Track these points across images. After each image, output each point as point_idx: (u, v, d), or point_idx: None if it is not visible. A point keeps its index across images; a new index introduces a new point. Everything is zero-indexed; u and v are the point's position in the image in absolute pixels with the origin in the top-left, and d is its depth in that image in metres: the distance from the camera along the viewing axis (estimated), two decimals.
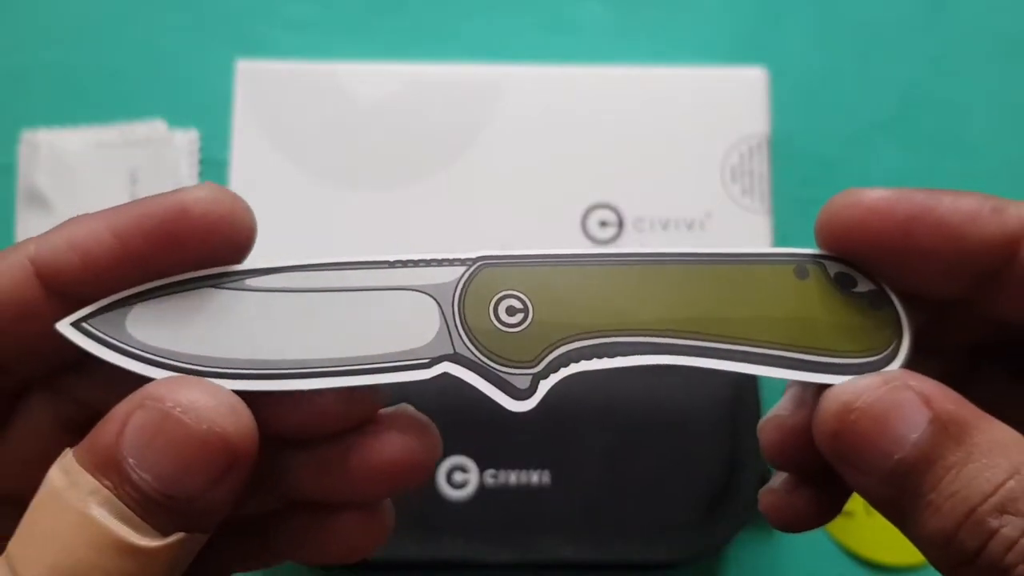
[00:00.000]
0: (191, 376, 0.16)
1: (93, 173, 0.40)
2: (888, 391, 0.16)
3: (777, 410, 0.19)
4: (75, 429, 0.17)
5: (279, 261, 0.19)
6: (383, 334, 0.17)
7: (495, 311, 0.18)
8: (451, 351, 0.17)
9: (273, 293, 0.18)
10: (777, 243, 0.36)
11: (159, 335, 0.17)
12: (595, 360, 0.18)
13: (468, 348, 0.17)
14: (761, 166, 0.36)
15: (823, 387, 0.17)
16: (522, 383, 0.17)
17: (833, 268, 0.19)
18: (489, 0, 0.43)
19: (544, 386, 0.17)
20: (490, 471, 0.34)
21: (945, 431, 0.15)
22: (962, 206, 0.16)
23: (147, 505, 0.15)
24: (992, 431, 0.15)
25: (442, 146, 0.36)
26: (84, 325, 0.16)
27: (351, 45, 0.42)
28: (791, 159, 0.41)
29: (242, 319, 0.17)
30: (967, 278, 0.17)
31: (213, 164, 0.41)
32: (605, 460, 0.34)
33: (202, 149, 0.41)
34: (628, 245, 0.35)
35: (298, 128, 0.36)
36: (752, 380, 0.35)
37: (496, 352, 0.18)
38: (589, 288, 0.18)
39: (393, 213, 0.36)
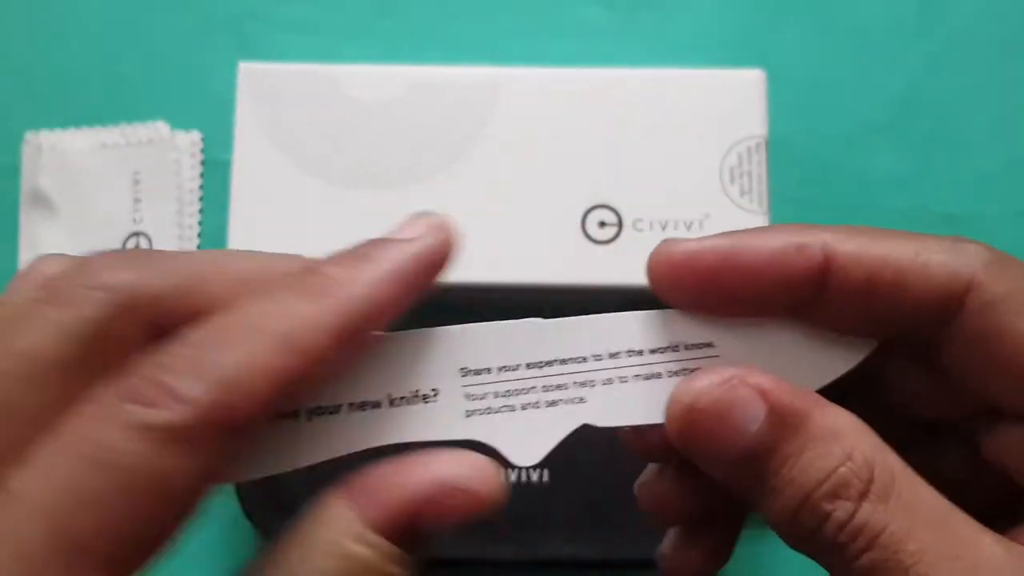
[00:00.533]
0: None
1: (96, 174, 0.40)
2: (726, 389, 0.17)
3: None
4: None
5: None
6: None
7: None
8: None
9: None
10: None
11: None
12: None
13: None
14: (759, 167, 0.36)
15: None
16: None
17: None
18: (489, 3, 0.43)
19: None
20: None
21: (782, 421, 0.16)
22: (764, 250, 0.17)
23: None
24: (827, 419, 0.16)
25: (443, 147, 0.36)
26: None
27: (353, 48, 0.43)
28: (789, 160, 0.41)
29: None
30: (786, 312, 0.18)
31: (215, 165, 0.41)
32: (604, 458, 0.35)
33: (204, 150, 0.42)
34: (626, 247, 0.36)
35: (300, 129, 0.37)
36: None
37: None
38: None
39: (394, 213, 0.36)
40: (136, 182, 0.40)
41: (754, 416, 0.16)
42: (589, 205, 0.36)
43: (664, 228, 0.36)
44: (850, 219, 0.41)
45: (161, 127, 0.41)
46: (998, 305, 0.17)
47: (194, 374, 0.14)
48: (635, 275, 0.35)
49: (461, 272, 0.35)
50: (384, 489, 0.16)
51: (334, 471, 0.34)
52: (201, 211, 0.41)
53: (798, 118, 0.42)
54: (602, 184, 0.36)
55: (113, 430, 0.14)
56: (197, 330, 0.15)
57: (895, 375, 0.20)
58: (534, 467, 0.35)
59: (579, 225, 0.36)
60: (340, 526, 0.16)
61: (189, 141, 0.41)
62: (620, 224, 0.36)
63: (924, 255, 0.17)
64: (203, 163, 0.42)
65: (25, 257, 0.40)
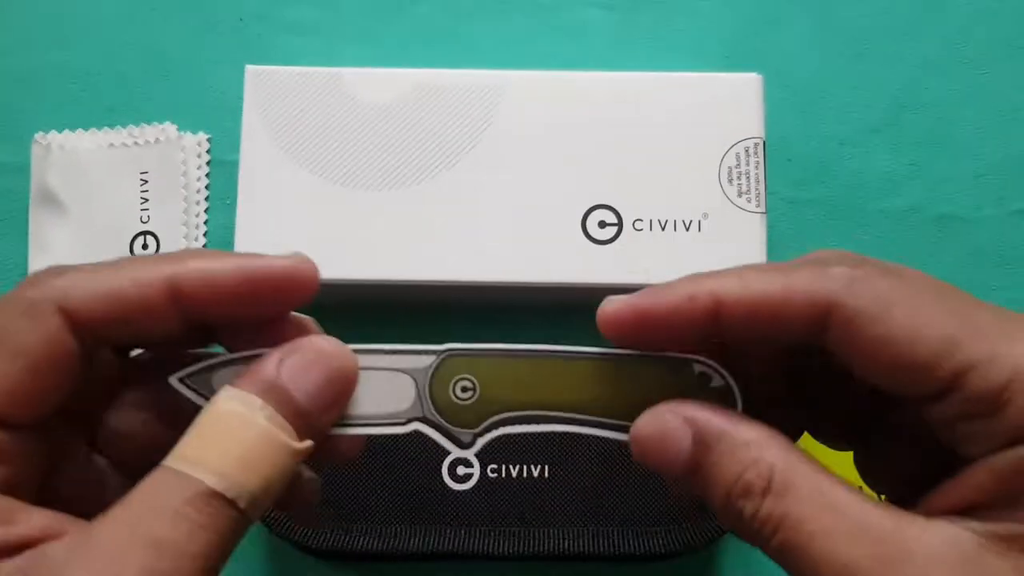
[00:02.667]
0: (322, 335, 0.23)
1: (104, 174, 0.41)
2: (659, 423, 0.22)
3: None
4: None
5: None
6: (377, 399, 0.25)
7: (453, 389, 0.25)
8: (421, 415, 0.25)
9: None
10: (771, 242, 0.37)
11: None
12: (518, 426, 0.25)
13: (433, 413, 0.25)
14: (757, 168, 0.37)
15: None
16: (467, 438, 0.25)
17: (697, 368, 0.24)
18: (491, 7, 0.44)
19: (480, 441, 0.25)
20: (491, 465, 0.35)
21: (703, 441, 0.21)
22: (665, 304, 0.22)
23: (297, 418, 0.21)
24: (739, 433, 0.21)
25: (445, 148, 0.37)
26: (186, 380, 0.23)
27: (357, 51, 0.43)
28: (786, 161, 0.42)
29: None
30: (702, 343, 0.23)
31: (222, 165, 0.42)
32: (602, 453, 0.35)
33: (211, 151, 0.42)
34: (626, 246, 0.36)
35: (305, 131, 0.37)
36: None
37: (452, 417, 0.25)
38: (520, 376, 0.25)
39: (398, 214, 0.36)
40: (144, 182, 0.41)
41: (683, 440, 0.22)
42: (590, 205, 0.36)
43: (663, 228, 0.36)
44: (846, 218, 0.42)
45: (169, 128, 0.42)
46: (855, 320, 0.20)
47: (52, 274, 0.22)
48: (635, 274, 0.36)
49: (463, 272, 0.36)
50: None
51: (340, 468, 0.34)
52: (207, 211, 0.42)
53: (795, 120, 0.42)
54: (602, 185, 0.37)
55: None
56: None
57: (821, 379, 0.24)
58: (535, 463, 0.35)
59: (580, 225, 0.36)
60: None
61: (196, 142, 0.42)
62: (620, 224, 0.36)
63: (789, 288, 0.21)
64: (210, 163, 0.42)
65: (34, 255, 0.41)
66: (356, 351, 0.24)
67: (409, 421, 0.25)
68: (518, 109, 0.37)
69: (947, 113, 0.43)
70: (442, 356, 0.25)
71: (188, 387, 0.24)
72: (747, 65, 0.42)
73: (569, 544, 0.34)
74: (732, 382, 0.24)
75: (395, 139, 0.37)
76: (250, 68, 0.37)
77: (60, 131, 0.42)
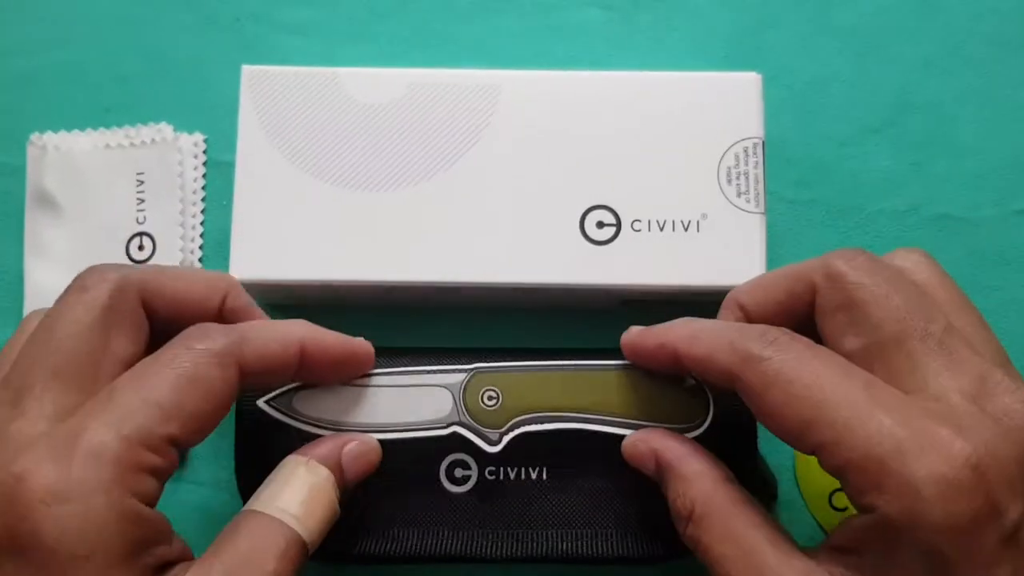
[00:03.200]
0: (362, 435, 0.31)
1: (101, 175, 0.41)
2: (633, 448, 0.31)
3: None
4: None
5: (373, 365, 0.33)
6: (422, 409, 0.33)
7: (481, 398, 0.33)
8: (457, 419, 0.33)
9: (368, 388, 0.33)
10: (771, 243, 0.37)
11: (312, 408, 0.32)
12: (534, 425, 0.33)
13: (467, 418, 0.33)
14: (756, 168, 0.37)
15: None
16: (494, 436, 0.33)
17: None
18: (489, 7, 0.44)
19: (505, 439, 0.33)
20: (490, 467, 0.35)
21: (660, 468, 0.30)
22: (648, 347, 0.30)
23: (343, 489, 0.30)
24: (683, 468, 0.29)
25: (443, 149, 0.37)
26: (272, 402, 0.32)
27: (354, 50, 0.43)
28: (785, 161, 0.42)
29: (351, 401, 0.33)
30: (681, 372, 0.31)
31: (218, 166, 0.42)
32: (601, 455, 0.35)
33: (207, 151, 0.42)
34: (625, 247, 0.36)
35: (302, 131, 0.37)
36: None
37: (481, 420, 0.33)
38: (533, 386, 0.33)
39: (395, 214, 0.36)
40: (140, 183, 0.41)
41: (649, 464, 0.30)
42: (588, 206, 0.36)
43: (662, 228, 0.36)
44: (846, 218, 0.42)
45: (165, 129, 0.41)
46: (744, 392, 0.26)
47: (225, 331, 0.27)
48: (633, 275, 0.36)
49: (462, 272, 0.36)
50: None
51: None
52: (204, 212, 0.42)
53: (794, 119, 0.42)
54: (600, 185, 0.36)
55: (185, 352, 0.26)
56: (212, 323, 0.28)
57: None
58: (533, 465, 0.35)
59: (578, 226, 0.36)
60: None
61: (192, 142, 0.42)
62: (618, 225, 0.36)
63: (710, 356, 0.27)
64: (206, 164, 0.42)
65: (30, 257, 0.40)
66: (407, 372, 0.33)
67: (449, 425, 0.33)
68: (516, 109, 0.37)
69: (947, 113, 0.43)
70: (471, 373, 0.33)
71: (273, 407, 0.32)
72: (746, 65, 0.42)
73: (568, 547, 0.34)
74: (702, 382, 0.32)
75: (393, 139, 0.37)
76: (246, 68, 0.37)
77: (56, 132, 0.41)
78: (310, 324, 0.29)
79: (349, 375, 0.30)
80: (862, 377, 0.25)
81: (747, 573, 0.25)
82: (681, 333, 0.29)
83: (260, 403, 0.32)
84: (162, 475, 0.25)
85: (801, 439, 0.25)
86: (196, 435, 0.25)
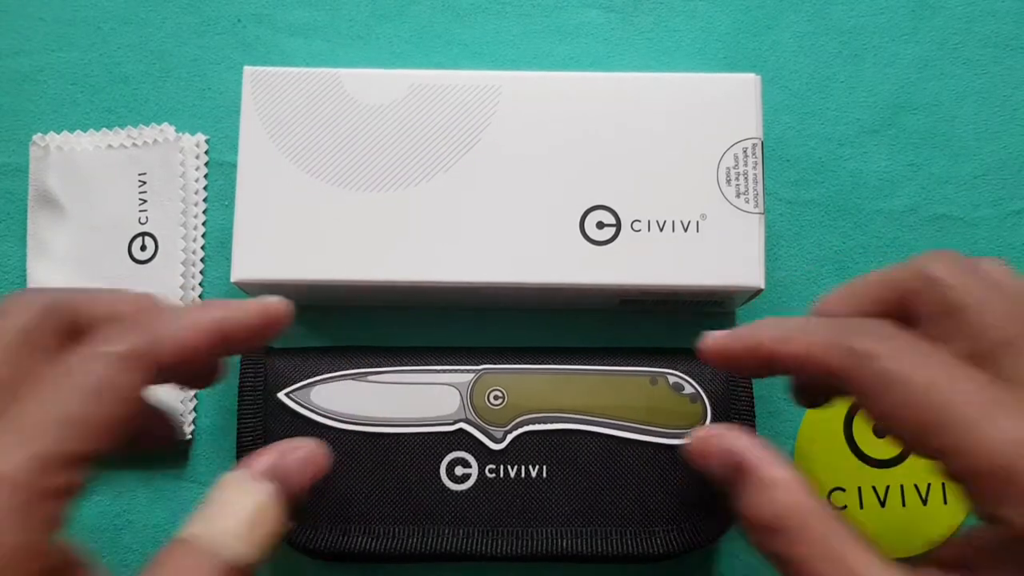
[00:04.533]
0: (298, 440, 0.27)
1: (103, 175, 0.41)
2: (704, 444, 0.27)
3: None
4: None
5: (386, 363, 0.36)
6: (431, 405, 0.34)
7: (488, 397, 0.35)
8: (464, 417, 0.34)
9: (381, 384, 0.35)
10: (770, 243, 0.37)
11: (329, 402, 0.35)
12: (537, 424, 0.35)
13: (473, 416, 0.35)
14: (755, 168, 0.37)
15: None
16: (499, 434, 0.35)
17: (671, 379, 0.35)
18: (489, 8, 0.44)
19: (509, 437, 0.35)
20: (490, 465, 0.35)
21: (736, 471, 0.26)
22: (736, 348, 0.27)
23: (288, 501, 0.26)
24: (766, 473, 0.25)
25: (444, 149, 0.37)
26: (291, 395, 0.34)
27: (356, 51, 0.43)
28: (783, 162, 0.42)
29: (365, 396, 0.35)
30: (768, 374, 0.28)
31: (220, 167, 0.42)
32: (601, 454, 0.35)
33: (210, 152, 0.42)
34: (625, 247, 0.36)
35: (304, 132, 0.37)
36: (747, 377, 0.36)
37: (487, 419, 0.35)
38: (537, 387, 0.35)
39: (396, 215, 0.36)
40: (142, 183, 0.41)
41: (719, 464, 0.26)
42: (588, 206, 0.36)
43: (662, 228, 0.36)
44: (844, 219, 0.42)
45: (167, 129, 0.42)
46: (859, 394, 0.24)
47: (129, 330, 0.24)
48: (633, 275, 0.36)
49: (462, 272, 0.36)
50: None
51: (338, 468, 0.34)
52: (206, 212, 0.42)
53: (793, 120, 0.42)
54: (600, 186, 0.37)
55: (88, 359, 0.23)
56: (116, 323, 0.25)
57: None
58: (533, 463, 0.35)
59: (578, 226, 0.36)
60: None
61: (194, 143, 0.42)
62: (618, 225, 0.36)
63: (812, 356, 0.25)
64: (208, 165, 0.42)
65: (33, 257, 0.41)
66: (419, 371, 0.35)
67: (456, 422, 0.34)
68: (516, 110, 0.37)
69: (945, 114, 0.43)
70: (480, 373, 0.35)
71: (292, 400, 0.34)
72: (745, 66, 0.42)
73: (568, 545, 0.34)
74: (700, 389, 0.34)
75: (394, 140, 0.37)
76: (248, 69, 0.38)
77: (59, 132, 0.42)
78: (221, 301, 0.27)
79: (270, 338, 0.27)
80: (980, 378, 0.23)
81: None
82: (773, 333, 0.26)
83: (280, 395, 0.35)
84: (73, 495, 0.22)
85: (920, 442, 0.23)
86: (108, 446, 0.23)
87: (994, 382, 0.23)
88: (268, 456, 0.26)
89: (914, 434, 0.23)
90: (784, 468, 0.25)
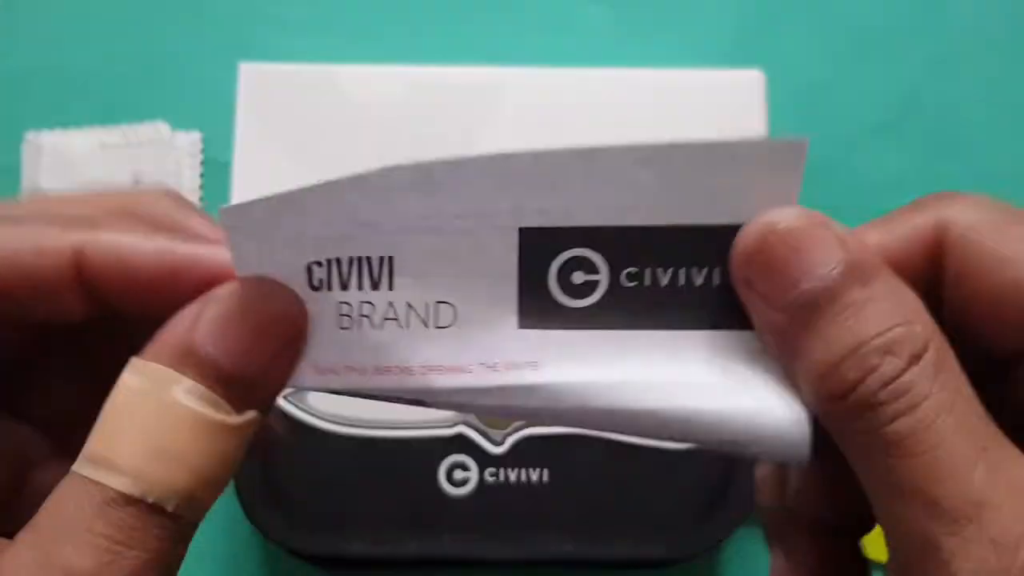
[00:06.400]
0: (251, 277, 0.17)
1: (96, 174, 0.41)
2: (809, 224, 0.17)
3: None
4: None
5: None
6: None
7: None
8: (463, 419, 0.34)
9: None
10: None
11: (325, 403, 0.33)
12: (539, 428, 0.34)
13: (472, 418, 0.34)
14: None
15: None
16: (498, 438, 0.34)
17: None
18: (489, 4, 0.43)
19: (509, 440, 0.34)
20: (490, 469, 0.35)
21: (852, 272, 0.16)
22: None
23: (227, 386, 0.16)
24: (892, 281, 0.16)
25: (443, 147, 0.36)
26: (288, 397, 0.26)
27: (353, 48, 0.43)
28: None
29: (362, 399, 0.20)
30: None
31: (215, 165, 0.41)
32: (603, 458, 0.35)
33: (204, 150, 0.42)
34: None
35: (300, 130, 0.37)
36: None
37: (487, 422, 0.34)
38: None
39: None
40: (136, 182, 0.41)
41: (828, 259, 0.16)
42: None
43: None
44: (849, 220, 0.41)
45: (161, 127, 0.41)
46: (969, 236, 0.17)
47: None
48: None
49: None
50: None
51: (336, 473, 0.34)
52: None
53: (798, 118, 0.42)
54: None
55: None
56: None
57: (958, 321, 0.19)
58: (534, 467, 0.35)
59: None
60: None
61: (189, 141, 0.42)
62: None
63: (894, 228, 0.19)
64: (203, 163, 0.42)
65: None
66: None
67: (455, 424, 0.33)
68: (517, 106, 0.37)
69: (953, 113, 0.42)
70: None
71: (289, 402, 0.31)
72: (749, 62, 0.42)
73: (570, 550, 0.34)
74: None
75: (392, 138, 0.37)
76: (244, 66, 0.37)
77: (51, 130, 0.41)
78: (121, 219, 0.18)
79: (192, 295, 0.17)
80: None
81: (1003, 473, 0.15)
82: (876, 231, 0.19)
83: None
84: None
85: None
86: None
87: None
88: (172, 326, 0.17)
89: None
90: (911, 290, 0.17)
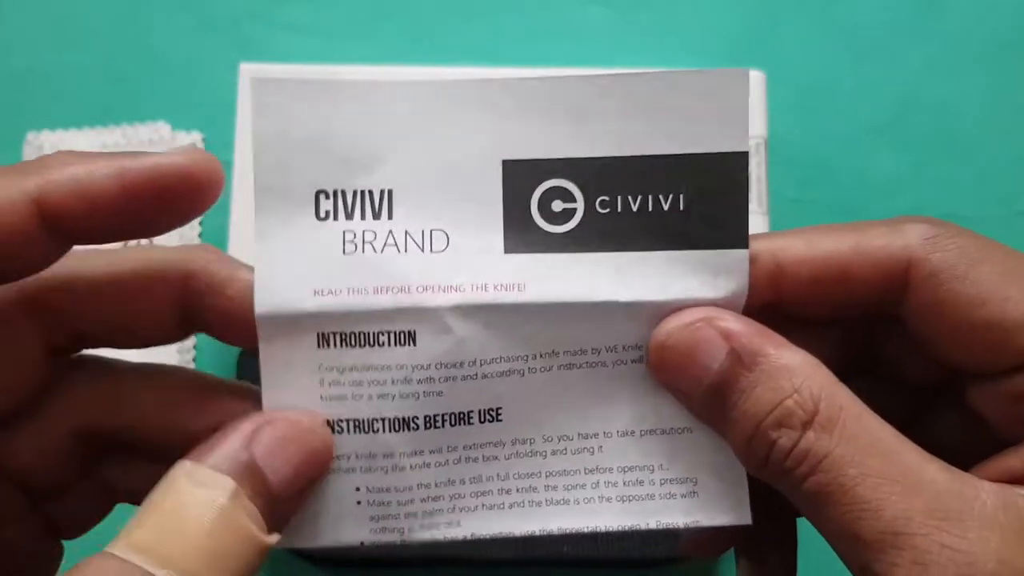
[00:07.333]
0: (281, 413, 0.19)
1: None
2: (691, 330, 0.19)
3: None
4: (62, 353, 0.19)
5: None
6: None
7: None
8: None
9: None
10: None
11: None
12: None
13: None
14: (759, 168, 0.36)
15: None
16: None
17: None
18: (489, 5, 0.43)
19: None
20: None
21: (740, 360, 0.18)
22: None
23: (271, 506, 0.17)
24: (781, 357, 0.18)
25: None
26: None
27: (353, 49, 0.43)
28: (788, 161, 0.42)
29: None
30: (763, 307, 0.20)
31: None
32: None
33: (206, 151, 0.42)
34: None
35: None
36: None
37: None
38: None
39: None
40: None
41: (716, 355, 0.18)
42: None
43: None
44: (849, 218, 0.41)
45: (162, 128, 0.41)
46: (937, 276, 0.19)
47: None
48: None
49: None
50: None
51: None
52: None
53: (798, 119, 0.42)
54: None
55: None
56: None
57: (892, 349, 0.21)
58: None
59: None
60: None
61: (190, 141, 0.41)
62: None
63: (863, 244, 0.19)
64: None
65: None
66: None
67: None
68: None
69: (951, 113, 0.42)
70: None
71: None
72: (750, 63, 0.42)
73: (570, 549, 0.34)
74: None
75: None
76: (245, 66, 0.37)
77: (52, 131, 0.41)
78: (71, 154, 0.17)
79: (197, 203, 0.18)
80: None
81: (919, 501, 0.17)
82: (784, 239, 0.20)
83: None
84: None
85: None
86: None
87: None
88: (226, 442, 0.17)
89: (1015, 321, 0.18)
90: (801, 352, 0.18)
